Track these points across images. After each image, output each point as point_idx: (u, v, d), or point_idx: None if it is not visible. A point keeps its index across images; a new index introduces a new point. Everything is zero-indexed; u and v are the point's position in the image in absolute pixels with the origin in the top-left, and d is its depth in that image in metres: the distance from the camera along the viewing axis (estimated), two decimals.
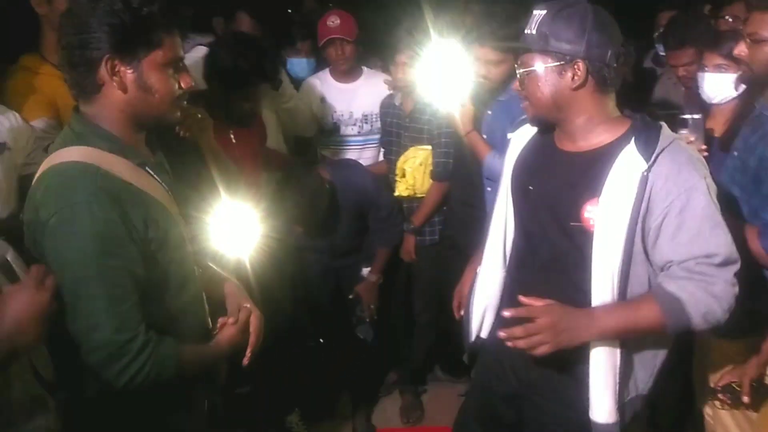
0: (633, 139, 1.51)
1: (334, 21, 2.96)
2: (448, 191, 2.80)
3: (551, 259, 1.62)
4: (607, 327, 1.50)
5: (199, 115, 2.06)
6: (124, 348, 1.28)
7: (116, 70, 1.34)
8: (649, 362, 1.62)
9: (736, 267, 1.49)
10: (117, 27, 1.31)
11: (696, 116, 2.12)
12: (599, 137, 1.57)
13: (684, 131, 2.13)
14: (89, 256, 1.25)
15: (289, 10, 4.22)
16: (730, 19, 3.01)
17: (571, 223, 1.55)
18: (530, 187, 1.67)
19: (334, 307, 2.95)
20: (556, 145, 1.65)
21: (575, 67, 1.51)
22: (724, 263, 1.47)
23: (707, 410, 2.18)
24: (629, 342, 1.56)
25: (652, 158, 1.47)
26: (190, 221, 1.63)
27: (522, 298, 1.52)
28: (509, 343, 1.49)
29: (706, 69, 2.20)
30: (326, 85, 3.06)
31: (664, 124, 1.56)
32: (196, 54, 2.86)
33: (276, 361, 2.46)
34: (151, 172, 1.43)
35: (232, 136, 2.36)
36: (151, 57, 1.36)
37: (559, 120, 1.60)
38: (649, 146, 1.48)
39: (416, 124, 2.81)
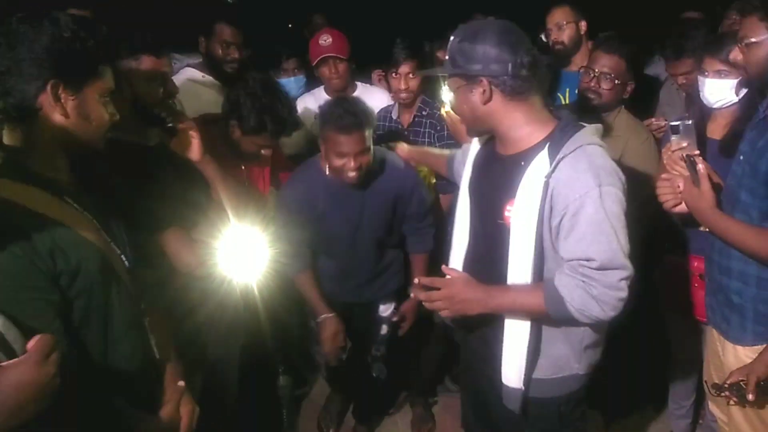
0: (547, 144, 1.64)
1: (326, 39, 2.98)
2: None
3: (484, 252, 1.84)
4: (499, 304, 1.72)
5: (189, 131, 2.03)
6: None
7: (59, 95, 1.35)
8: (576, 344, 1.79)
9: (621, 273, 1.60)
10: (65, 53, 1.33)
11: (687, 122, 2.11)
12: (523, 141, 1.71)
13: (675, 137, 2.12)
14: (3, 291, 1.25)
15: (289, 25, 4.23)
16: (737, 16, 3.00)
17: (498, 221, 1.73)
18: (476, 188, 1.88)
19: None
20: (496, 150, 1.81)
21: (480, 83, 1.64)
22: (603, 268, 1.59)
23: (720, 414, 2.16)
24: (546, 322, 1.74)
25: (553, 165, 1.60)
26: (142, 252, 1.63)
27: (443, 267, 1.82)
28: (426, 304, 1.80)
29: (707, 74, 2.18)
30: (321, 102, 3.07)
31: (586, 127, 1.67)
32: (183, 76, 2.90)
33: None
34: (69, 200, 1.42)
35: (243, 167, 2.39)
36: (94, 86, 1.39)
37: (490, 129, 1.76)
38: (555, 152, 1.61)
39: (416, 138, 2.82)
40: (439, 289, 1.76)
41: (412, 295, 2.20)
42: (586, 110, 2.43)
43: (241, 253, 1.78)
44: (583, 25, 3.11)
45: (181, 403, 1.63)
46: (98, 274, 1.41)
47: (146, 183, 1.86)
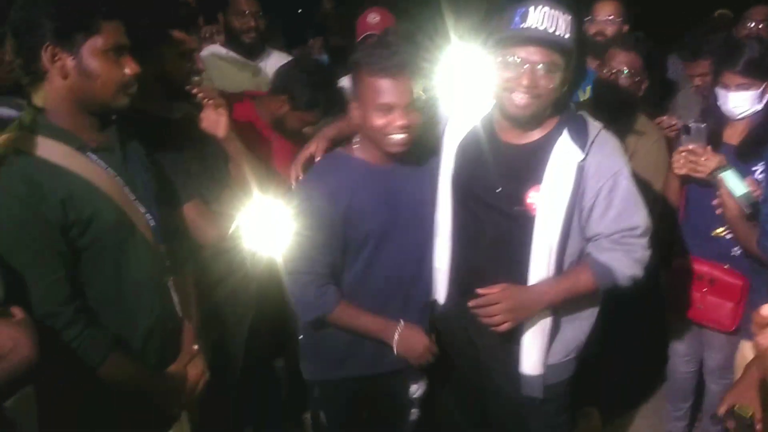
0: (565, 130, 1.71)
1: (374, 18, 3.01)
2: None
3: (495, 238, 1.81)
4: (554, 298, 1.76)
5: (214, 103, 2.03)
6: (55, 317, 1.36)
7: (56, 57, 1.39)
8: (578, 326, 1.87)
9: (650, 234, 1.77)
10: (54, 15, 1.36)
11: (700, 125, 2.14)
12: (541, 128, 1.75)
13: (685, 137, 2.15)
14: (6, 236, 1.32)
15: (299, 10, 4.22)
16: (752, 24, 3.00)
17: (515, 208, 1.73)
18: (473, 177, 1.82)
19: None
20: (500, 138, 1.79)
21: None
22: (644, 234, 1.75)
23: None
24: (564, 306, 1.82)
25: (586, 148, 1.67)
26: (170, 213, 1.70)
27: (479, 290, 1.76)
28: (484, 320, 1.75)
29: (729, 88, 2.19)
30: None
31: (586, 114, 1.78)
32: (207, 51, 2.93)
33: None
34: (93, 156, 1.47)
35: (271, 140, 2.41)
36: (90, 43, 1.40)
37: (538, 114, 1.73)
38: (581, 137, 1.69)
39: None
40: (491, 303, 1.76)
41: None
42: (603, 106, 2.44)
43: (264, 226, 1.81)
44: (626, 27, 3.07)
45: (190, 365, 1.68)
46: (112, 227, 1.47)
47: (167, 155, 1.89)
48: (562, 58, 1.62)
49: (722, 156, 2.17)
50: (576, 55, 1.69)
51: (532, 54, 1.61)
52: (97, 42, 1.41)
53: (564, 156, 1.69)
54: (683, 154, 2.20)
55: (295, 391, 2.85)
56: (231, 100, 2.30)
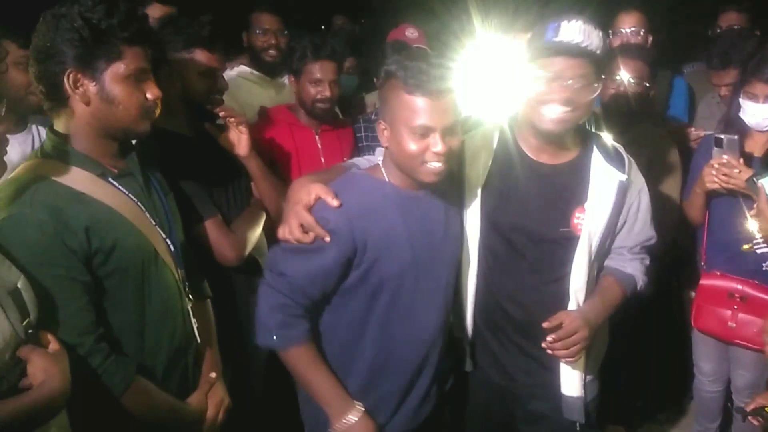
0: (594, 148, 1.72)
1: (412, 33, 3.13)
2: None
3: (535, 262, 1.74)
4: (600, 318, 1.76)
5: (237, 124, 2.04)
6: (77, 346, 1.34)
7: (78, 83, 1.38)
8: (602, 340, 1.88)
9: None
10: (76, 42, 1.35)
11: (732, 136, 2.10)
12: (571, 149, 1.74)
13: (717, 149, 2.11)
14: (29, 264, 1.29)
15: (322, 27, 4.27)
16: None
17: (561, 230, 1.70)
18: (511, 200, 1.72)
19: None
20: (532, 158, 1.73)
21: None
22: (655, 244, 1.85)
23: None
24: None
25: (626, 168, 1.71)
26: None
27: (546, 325, 1.64)
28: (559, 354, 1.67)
29: (757, 99, 2.15)
30: None
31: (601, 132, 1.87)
32: (234, 72, 2.94)
33: None
34: (115, 183, 1.46)
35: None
36: (112, 69, 1.39)
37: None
38: (615, 155, 1.73)
39: None
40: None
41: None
42: (614, 117, 2.42)
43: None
44: (650, 38, 3.04)
45: (210, 393, 1.65)
46: (135, 254, 1.46)
47: (188, 175, 1.88)
48: (595, 73, 1.59)
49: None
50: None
51: (567, 67, 1.56)
52: (119, 68, 1.40)
53: (605, 175, 1.71)
54: (716, 166, 2.15)
55: None
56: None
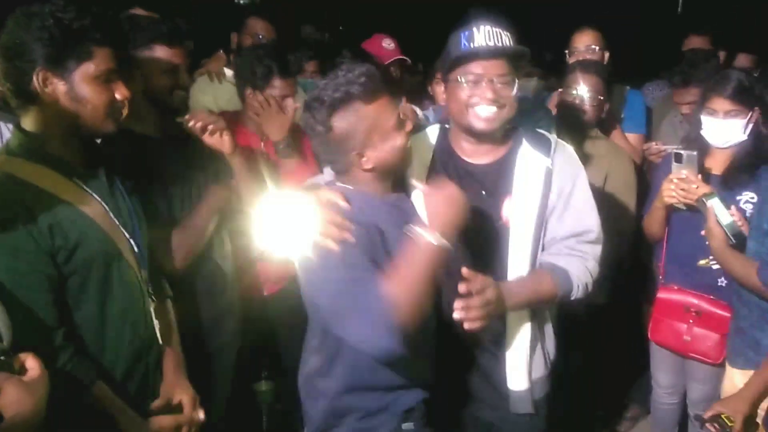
0: (524, 140, 1.77)
1: (389, 44, 3.17)
2: None
3: (476, 257, 1.70)
4: (517, 301, 1.67)
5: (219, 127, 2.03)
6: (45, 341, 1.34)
7: (48, 82, 1.39)
8: (557, 338, 1.86)
9: (600, 251, 1.77)
10: (47, 41, 1.36)
11: (692, 152, 2.14)
12: (502, 146, 1.79)
13: (676, 165, 2.15)
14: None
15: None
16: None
17: (495, 224, 1.73)
18: None
19: None
20: (465, 159, 1.80)
21: None
22: (597, 241, 1.77)
23: None
24: (538, 318, 1.80)
25: (551, 154, 1.74)
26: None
27: (465, 272, 1.52)
28: (466, 324, 1.51)
29: (717, 114, 2.19)
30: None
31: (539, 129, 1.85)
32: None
33: None
34: (79, 182, 1.47)
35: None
36: (82, 69, 1.40)
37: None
38: (543, 144, 1.76)
39: None
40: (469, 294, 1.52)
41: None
42: (570, 129, 2.48)
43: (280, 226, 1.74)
44: (606, 54, 3.09)
45: (177, 393, 1.65)
46: (98, 253, 1.46)
47: (151, 176, 1.87)
48: (511, 71, 1.71)
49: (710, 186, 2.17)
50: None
51: (488, 68, 1.68)
52: (89, 68, 1.41)
53: (530, 163, 1.75)
54: (675, 181, 2.19)
55: (277, 418, 2.78)
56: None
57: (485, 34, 1.67)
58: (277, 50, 2.43)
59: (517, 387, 1.80)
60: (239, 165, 2.06)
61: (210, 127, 1.95)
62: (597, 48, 3.04)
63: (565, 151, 1.81)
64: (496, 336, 1.78)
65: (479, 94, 1.68)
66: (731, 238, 2.07)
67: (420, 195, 1.58)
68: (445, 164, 1.81)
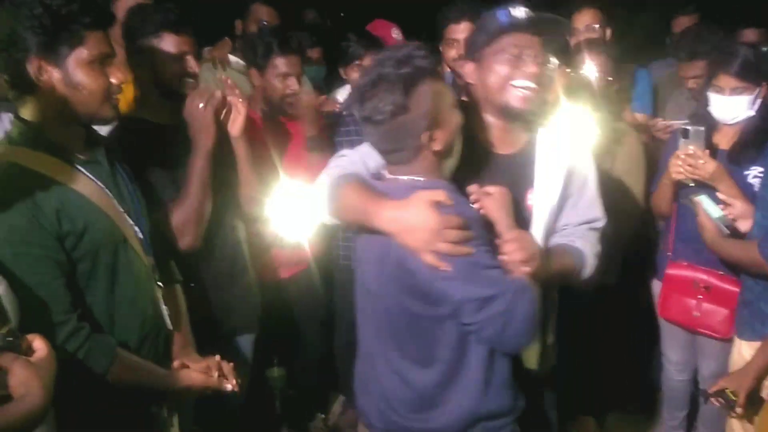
0: (539, 130, 1.73)
1: (397, 34, 3.22)
2: None
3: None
4: (555, 265, 1.65)
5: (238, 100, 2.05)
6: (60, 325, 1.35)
7: (42, 70, 1.39)
8: (552, 308, 1.84)
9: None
10: (37, 29, 1.36)
11: (699, 128, 2.14)
12: (524, 135, 1.75)
13: (683, 141, 2.15)
14: (6, 243, 1.31)
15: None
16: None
17: (523, 213, 1.69)
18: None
19: None
20: (488, 150, 1.72)
21: None
22: (601, 227, 1.81)
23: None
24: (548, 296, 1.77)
25: (569, 149, 1.72)
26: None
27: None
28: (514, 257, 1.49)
29: (723, 91, 2.19)
30: None
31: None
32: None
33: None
34: (82, 169, 1.47)
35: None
36: (75, 55, 1.40)
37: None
38: (562, 137, 1.73)
39: None
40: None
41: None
42: (576, 110, 2.45)
43: (292, 211, 1.79)
44: (609, 32, 3.08)
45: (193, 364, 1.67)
46: (105, 239, 1.47)
47: (156, 163, 1.88)
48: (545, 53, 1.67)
49: (717, 161, 2.17)
50: None
51: (531, 42, 1.60)
52: (82, 53, 1.40)
53: (551, 157, 1.71)
54: (682, 157, 2.19)
55: (291, 406, 2.81)
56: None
57: (522, 11, 1.60)
58: (277, 30, 2.47)
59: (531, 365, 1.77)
60: (242, 150, 2.07)
61: (238, 96, 1.99)
62: (597, 26, 3.02)
63: (580, 144, 1.80)
64: None
65: (523, 68, 1.60)
66: (724, 229, 2.08)
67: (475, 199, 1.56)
68: (469, 155, 1.65)
